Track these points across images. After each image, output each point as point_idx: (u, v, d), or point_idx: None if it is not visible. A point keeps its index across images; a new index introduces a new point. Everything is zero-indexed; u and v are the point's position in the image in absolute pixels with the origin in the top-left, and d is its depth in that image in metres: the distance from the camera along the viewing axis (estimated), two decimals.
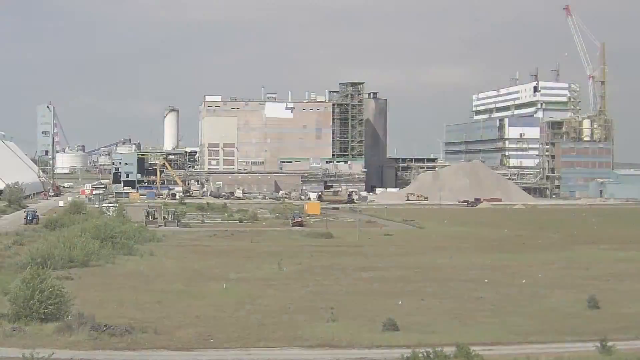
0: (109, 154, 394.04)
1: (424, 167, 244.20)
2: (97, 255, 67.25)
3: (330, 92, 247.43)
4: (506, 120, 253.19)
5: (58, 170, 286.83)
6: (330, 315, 44.70)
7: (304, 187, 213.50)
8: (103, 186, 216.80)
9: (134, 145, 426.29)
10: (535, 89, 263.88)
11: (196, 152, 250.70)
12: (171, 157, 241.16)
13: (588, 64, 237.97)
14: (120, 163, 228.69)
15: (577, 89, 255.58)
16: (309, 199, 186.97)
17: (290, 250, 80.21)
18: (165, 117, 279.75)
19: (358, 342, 38.00)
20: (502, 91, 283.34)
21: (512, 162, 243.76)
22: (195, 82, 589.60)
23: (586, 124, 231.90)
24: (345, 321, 43.39)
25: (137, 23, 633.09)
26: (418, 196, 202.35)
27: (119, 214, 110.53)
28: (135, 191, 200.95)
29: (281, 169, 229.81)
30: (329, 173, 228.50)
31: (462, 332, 40.13)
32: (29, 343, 34.28)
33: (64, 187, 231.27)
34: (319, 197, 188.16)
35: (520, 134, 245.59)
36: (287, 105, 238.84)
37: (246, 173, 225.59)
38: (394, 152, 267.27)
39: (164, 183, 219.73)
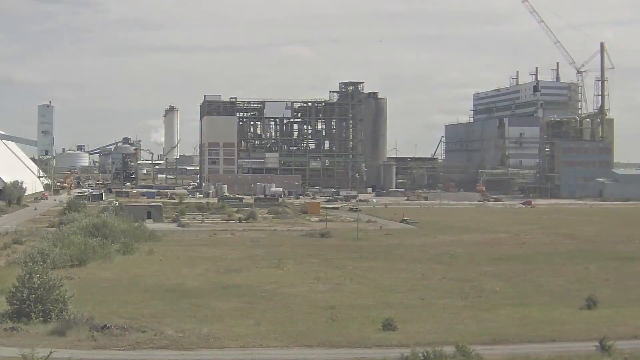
0: (108, 154, 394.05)
1: (423, 167, 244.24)
2: (96, 254, 67.23)
3: (330, 91, 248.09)
4: (506, 120, 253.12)
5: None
6: (330, 314, 44.75)
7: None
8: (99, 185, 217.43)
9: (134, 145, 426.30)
10: (535, 89, 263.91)
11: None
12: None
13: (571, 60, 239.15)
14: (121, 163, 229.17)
15: (577, 89, 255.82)
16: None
17: (290, 250, 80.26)
18: (164, 116, 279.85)
19: (358, 342, 38.02)
20: (502, 91, 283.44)
21: (512, 161, 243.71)
22: (195, 82, 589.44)
23: (586, 123, 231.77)
24: (345, 320, 43.42)
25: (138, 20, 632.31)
26: (418, 196, 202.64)
27: (118, 212, 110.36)
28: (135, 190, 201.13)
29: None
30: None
31: (462, 331, 40.13)
32: (28, 342, 34.26)
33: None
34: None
35: (520, 134, 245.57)
36: (286, 105, 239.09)
37: (246, 172, 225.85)
38: (394, 152, 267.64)
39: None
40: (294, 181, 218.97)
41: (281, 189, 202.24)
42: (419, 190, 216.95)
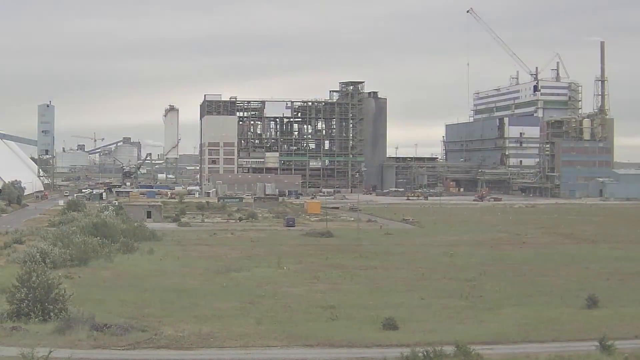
0: (109, 154, 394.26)
1: (423, 167, 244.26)
2: (97, 254, 67.18)
3: (330, 91, 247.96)
4: (506, 120, 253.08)
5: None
6: (330, 314, 44.74)
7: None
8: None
9: (135, 147, 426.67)
10: (535, 89, 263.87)
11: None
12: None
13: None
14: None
15: (577, 88, 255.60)
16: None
17: (290, 249, 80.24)
18: (164, 116, 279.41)
19: (358, 341, 37.99)
20: (502, 90, 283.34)
21: (512, 161, 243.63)
22: (196, 82, 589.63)
23: (586, 123, 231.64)
24: (345, 320, 43.41)
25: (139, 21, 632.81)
26: (418, 195, 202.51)
27: (118, 212, 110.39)
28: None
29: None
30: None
31: (462, 330, 40.11)
32: (28, 342, 34.22)
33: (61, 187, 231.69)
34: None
35: (520, 133, 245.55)
36: (287, 104, 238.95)
37: (246, 172, 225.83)
38: (394, 151, 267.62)
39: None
40: (294, 181, 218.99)
41: (277, 189, 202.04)
42: (419, 190, 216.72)
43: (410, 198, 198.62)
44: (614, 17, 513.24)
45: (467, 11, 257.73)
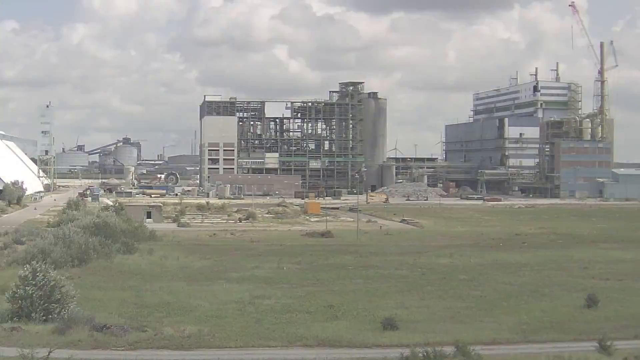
0: (108, 154, 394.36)
1: (423, 167, 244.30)
2: (97, 254, 67.16)
3: (330, 91, 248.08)
4: (506, 120, 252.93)
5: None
6: (329, 314, 44.79)
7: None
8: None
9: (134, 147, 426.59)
10: (535, 89, 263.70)
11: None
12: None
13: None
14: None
15: (577, 89, 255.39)
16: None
17: (290, 249, 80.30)
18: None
19: (358, 341, 38.04)
20: (502, 91, 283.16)
21: (512, 161, 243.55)
22: (195, 82, 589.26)
23: (586, 123, 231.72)
24: (344, 320, 43.45)
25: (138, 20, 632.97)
26: (418, 196, 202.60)
27: (118, 212, 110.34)
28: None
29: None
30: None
31: (462, 331, 40.16)
32: (28, 342, 34.24)
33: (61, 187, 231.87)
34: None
35: (520, 134, 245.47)
36: (286, 105, 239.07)
37: (246, 173, 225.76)
38: (393, 152, 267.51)
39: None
40: (294, 181, 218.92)
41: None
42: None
43: (410, 198, 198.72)
44: None
45: None
